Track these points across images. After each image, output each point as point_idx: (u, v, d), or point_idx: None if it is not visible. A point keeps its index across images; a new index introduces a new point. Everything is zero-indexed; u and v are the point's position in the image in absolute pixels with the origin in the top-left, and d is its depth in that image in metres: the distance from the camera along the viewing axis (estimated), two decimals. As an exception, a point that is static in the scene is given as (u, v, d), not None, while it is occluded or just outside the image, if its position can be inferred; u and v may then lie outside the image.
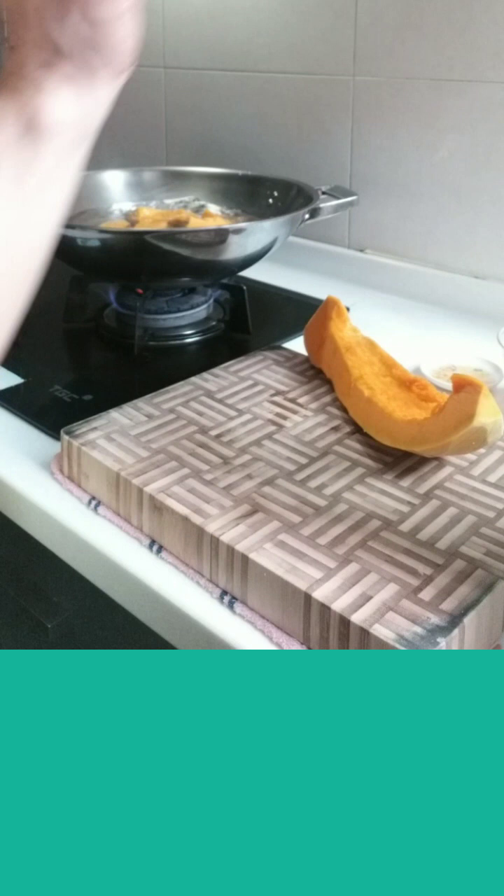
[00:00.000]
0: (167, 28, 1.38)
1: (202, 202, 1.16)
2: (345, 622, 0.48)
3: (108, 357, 0.95)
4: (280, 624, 0.52)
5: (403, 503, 0.59)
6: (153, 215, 1.11)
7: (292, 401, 0.74)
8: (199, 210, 1.14)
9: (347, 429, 0.69)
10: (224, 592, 0.55)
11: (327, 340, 0.79)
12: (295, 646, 0.51)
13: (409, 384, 0.72)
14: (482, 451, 0.65)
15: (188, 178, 1.17)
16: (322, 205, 1.00)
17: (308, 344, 0.83)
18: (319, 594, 0.49)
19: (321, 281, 1.19)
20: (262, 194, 1.11)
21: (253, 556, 0.53)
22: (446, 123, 1.05)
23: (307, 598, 0.50)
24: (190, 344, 0.96)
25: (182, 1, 1.34)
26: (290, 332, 0.99)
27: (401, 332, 1.01)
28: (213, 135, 1.36)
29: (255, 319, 0.98)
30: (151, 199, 1.17)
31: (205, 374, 0.79)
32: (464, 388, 0.59)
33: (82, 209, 1.12)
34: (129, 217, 1.13)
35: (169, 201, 1.17)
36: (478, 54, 1.00)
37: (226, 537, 0.55)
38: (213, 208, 1.15)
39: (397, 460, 0.64)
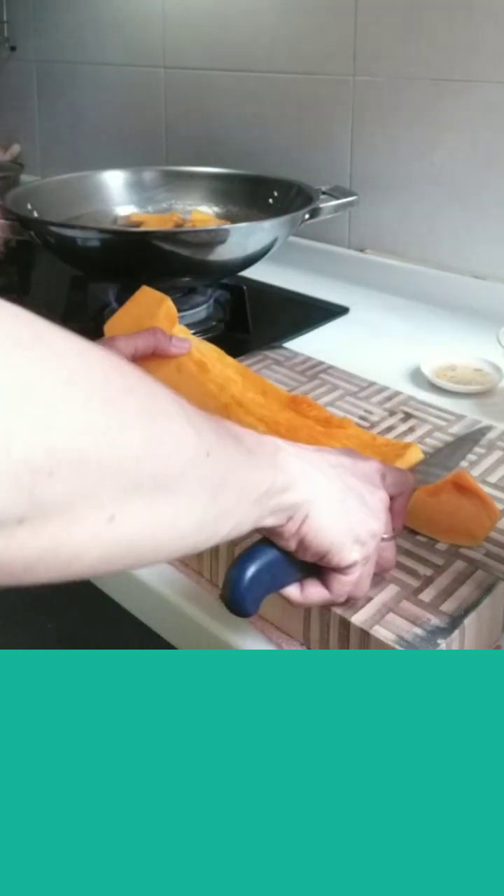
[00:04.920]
0: (167, 28, 1.38)
1: (193, 206, 1.16)
2: (345, 623, 0.48)
3: (108, 357, 0.95)
4: (280, 624, 0.52)
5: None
6: (154, 219, 1.11)
7: (292, 401, 0.74)
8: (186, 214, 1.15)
9: (347, 429, 0.69)
10: (224, 593, 0.55)
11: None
12: (295, 646, 0.51)
13: (295, 405, 0.66)
14: (482, 451, 0.65)
15: (188, 178, 1.17)
16: (322, 205, 1.00)
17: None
18: (319, 595, 0.49)
19: (321, 281, 1.19)
20: (262, 194, 1.11)
21: (253, 556, 0.53)
22: (446, 123, 1.05)
23: (307, 598, 0.50)
24: (190, 344, 0.96)
25: (182, 1, 1.34)
26: (290, 332, 0.98)
27: (401, 332, 1.01)
28: (213, 135, 1.36)
29: (255, 319, 0.98)
30: (151, 199, 1.17)
31: (205, 375, 0.78)
32: (468, 495, 0.55)
33: (83, 211, 1.12)
34: (128, 220, 1.14)
35: (165, 205, 1.17)
36: (478, 54, 1.00)
37: (226, 538, 0.54)
38: (204, 209, 1.15)
39: (397, 461, 0.64)
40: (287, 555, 0.44)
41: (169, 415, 0.32)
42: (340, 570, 0.44)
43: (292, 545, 0.43)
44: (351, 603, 0.48)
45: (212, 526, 0.36)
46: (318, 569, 0.45)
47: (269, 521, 0.41)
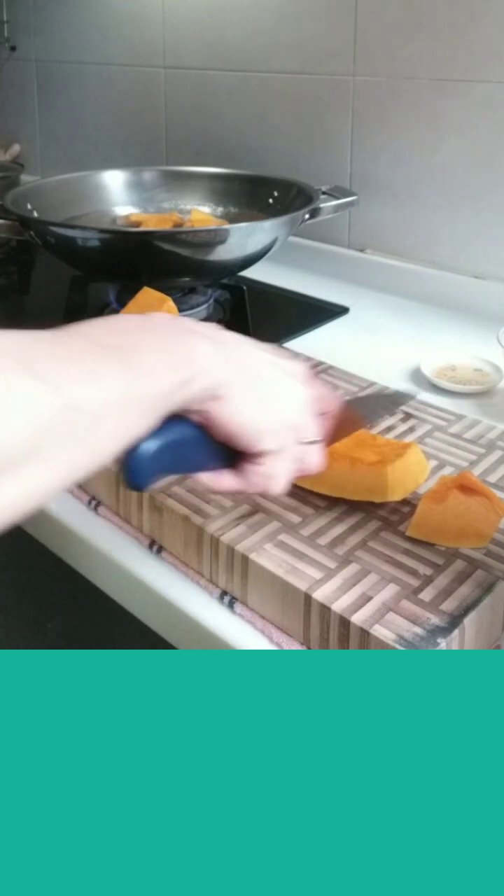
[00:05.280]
0: (167, 28, 1.38)
1: (192, 206, 1.16)
2: (345, 623, 0.48)
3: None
4: (280, 624, 0.52)
5: (403, 503, 0.59)
6: (153, 219, 1.11)
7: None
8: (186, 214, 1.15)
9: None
10: (224, 592, 0.55)
11: None
12: (295, 646, 0.51)
13: None
14: (482, 451, 0.65)
15: (188, 178, 1.17)
16: (322, 205, 1.00)
17: None
18: (319, 595, 0.49)
19: (321, 281, 1.19)
20: (262, 194, 1.11)
21: (253, 556, 0.53)
22: (446, 123, 1.05)
23: (307, 598, 0.50)
24: (190, 344, 0.96)
25: (182, 1, 1.34)
26: (290, 332, 0.99)
27: (401, 332, 1.01)
28: (213, 135, 1.36)
29: (255, 319, 0.98)
30: (151, 199, 1.17)
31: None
32: (474, 495, 0.55)
33: (83, 211, 1.12)
34: (127, 220, 1.14)
35: (165, 205, 1.17)
36: (478, 54, 1.00)
37: (226, 537, 0.55)
38: (204, 209, 1.15)
39: (397, 460, 0.64)
40: (203, 441, 0.44)
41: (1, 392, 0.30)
42: (253, 457, 0.45)
43: (202, 423, 0.43)
44: (266, 496, 0.48)
45: (92, 459, 0.35)
46: (235, 461, 0.46)
47: (175, 411, 0.41)
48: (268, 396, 0.44)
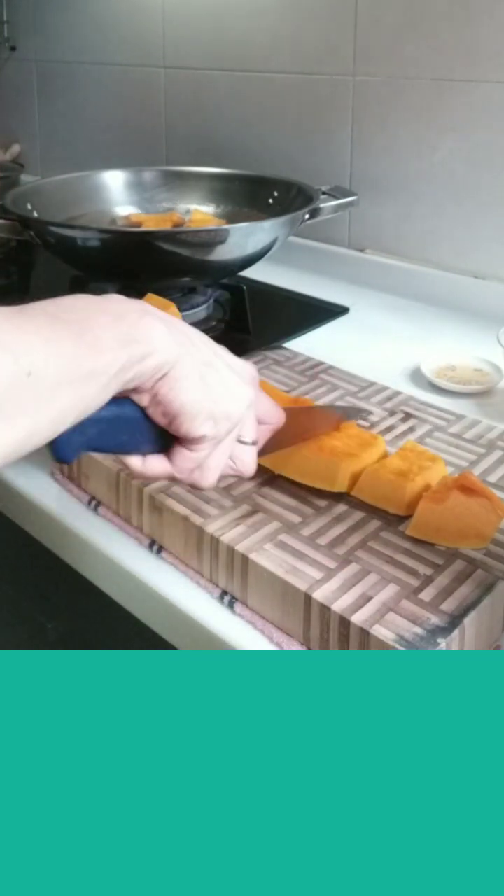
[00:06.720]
0: (167, 28, 1.38)
1: (192, 206, 1.16)
2: (345, 623, 0.48)
3: (108, 357, 0.95)
4: (280, 624, 0.52)
5: (403, 503, 0.59)
6: (153, 219, 1.11)
7: (292, 401, 0.74)
8: (186, 213, 1.15)
9: (347, 429, 0.69)
10: (224, 592, 0.55)
11: None
12: (295, 646, 0.51)
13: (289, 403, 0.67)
14: (482, 451, 0.65)
15: (188, 178, 1.17)
16: (322, 205, 1.00)
17: None
18: (320, 595, 0.49)
19: (321, 281, 1.19)
20: (262, 194, 1.11)
21: (253, 556, 0.53)
22: (446, 123, 1.05)
23: (307, 598, 0.50)
24: (190, 344, 0.96)
25: (182, 1, 1.34)
26: (290, 332, 0.98)
27: (401, 332, 1.01)
28: (213, 135, 1.36)
29: (255, 319, 0.98)
30: (151, 199, 1.17)
31: (205, 375, 0.78)
32: (475, 496, 0.55)
33: (83, 211, 1.12)
34: (127, 220, 1.14)
35: (165, 205, 1.17)
36: (478, 54, 1.00)
37: (226, 537, 0.55)
38: (204, 209, 1.15)
39: (397, 460, 0.64)
40: (139, 421, 0.44)
41: None
42: (188, 442, 0.45)
43: (145, 400, 0.43)
44: (196, 488, 0.48)
45: (49, 427, 0.37)
46: (166, 448, 0.46)
47: (126, 388, 0.41)
48: (213, 382, 0.44)
